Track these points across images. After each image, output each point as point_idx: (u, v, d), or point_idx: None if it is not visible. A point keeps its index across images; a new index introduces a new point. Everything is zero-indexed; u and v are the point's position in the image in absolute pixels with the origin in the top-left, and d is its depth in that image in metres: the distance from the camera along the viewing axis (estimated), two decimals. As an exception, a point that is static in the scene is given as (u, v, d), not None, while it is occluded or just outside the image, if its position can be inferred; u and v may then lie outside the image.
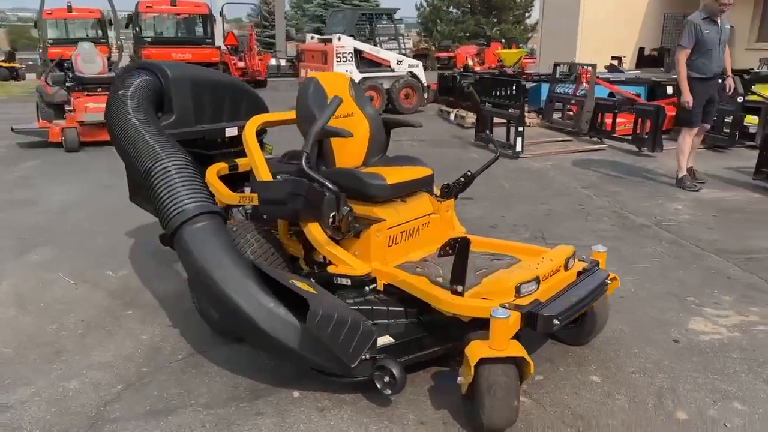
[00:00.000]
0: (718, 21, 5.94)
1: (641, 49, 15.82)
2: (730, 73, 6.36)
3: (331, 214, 2.73)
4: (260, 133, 3.85)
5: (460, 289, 2.49)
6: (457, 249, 2.45)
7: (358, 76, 11.48)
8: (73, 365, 2.86)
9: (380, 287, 2.79)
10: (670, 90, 10.44)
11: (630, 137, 8.37)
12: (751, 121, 8.42)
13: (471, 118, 9.84)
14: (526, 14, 31.87)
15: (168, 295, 3.62)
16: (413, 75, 12.10)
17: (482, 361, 2.21)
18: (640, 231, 4.92)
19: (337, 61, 11.34)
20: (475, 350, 2.22)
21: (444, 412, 2.49)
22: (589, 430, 2.39)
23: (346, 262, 2.77)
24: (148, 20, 14.02)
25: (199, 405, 2.55)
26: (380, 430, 2.38)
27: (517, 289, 2.44)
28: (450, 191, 3.25)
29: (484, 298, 2.46)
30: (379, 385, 2.43)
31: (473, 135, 8.95)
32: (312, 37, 12.47)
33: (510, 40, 23.46)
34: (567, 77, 10.68)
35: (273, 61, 20.67)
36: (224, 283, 2.41)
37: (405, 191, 3.03)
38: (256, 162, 3.09)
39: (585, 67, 9.75)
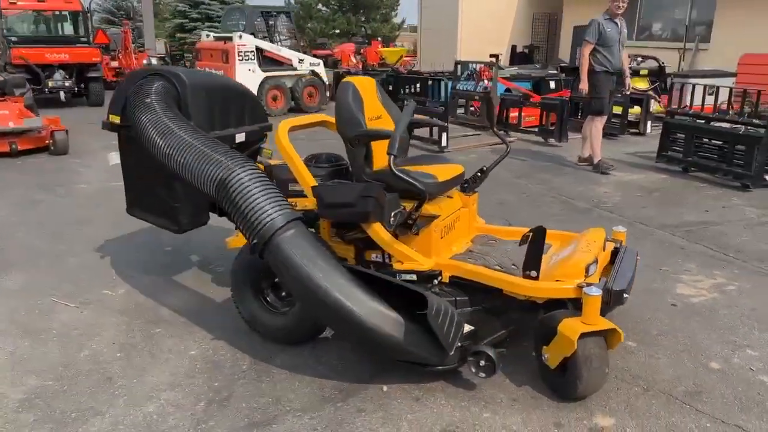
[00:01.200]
0: (618, 21, 6.75)
1: (513, 47, 17.07)
2: (627, 72, 7.22)
3: (393, 213, 2.85)
4: (260, 139, 3.84)
5: (534, 274, 2.73)
6: (532, 238, 2.69)
7: (261, 75, 11.33)
8: (136, 389, 2.72)
9: (445, 279, 2.95)
10: (552, 85, 11.47)
11: (536, 129, 9.12)
12: (633, 111, 9.55)
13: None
14: (393, 13, 32.85)
15: (187, 308, 3.50)
16: (315, 73, 12.13)
17: (580, 336, 2.47)
18: (587, 213, 5.48)
19: (239, 60, 11.09)
20: (574, 326, 2.48)
21: (527, 388, 2.72)
22: (652, 386, 2.74)
23: (413, 259, 2.91)
24: (12, 18, 12.64)
25: (296, 410, 2.56)
26: (482, 411, 2.57)
27: (586, 270, 2.73)
28: (470, 186, 3.48)
29: (557, 280, 2.73)
30: (473, 369, 2.61)
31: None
32: (207, 35, 12.03)
33: (386, 38, 24.07)
34: (461, 74, 11.34)
35: (144, 60, 19.54)
36: (334, 288, 2.45)
37: (450, 188, 3.22)
38: (299, 168, 3.11)
39: (484, 65, 10.43)
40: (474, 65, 11.04)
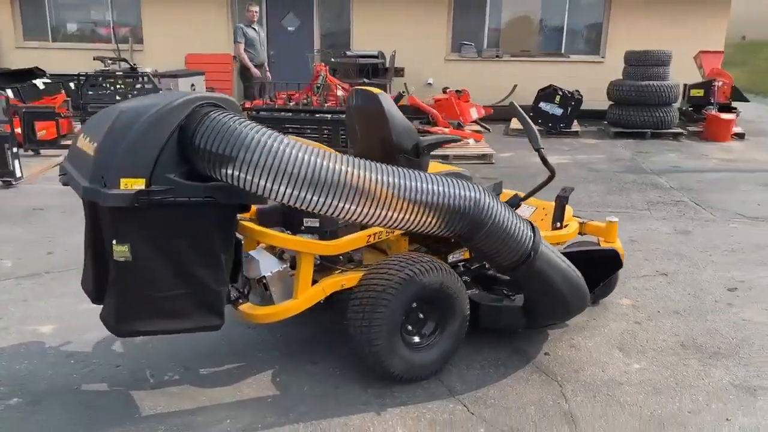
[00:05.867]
0: (255, 27, 8.95)
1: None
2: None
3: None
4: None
5: (559, 225, 3.56)
6: (558, 201, 3.51)
7: None
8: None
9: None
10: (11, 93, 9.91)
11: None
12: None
13: None
14: None
15: (257, 421, 2.52)
16: None
17: (617, 250, 3.55)
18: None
19: None
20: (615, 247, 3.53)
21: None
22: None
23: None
24: None
25: (559, 421, 2.63)
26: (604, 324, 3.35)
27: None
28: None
29: (565, 225, 3.64)
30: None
31: None
32: None
33: None
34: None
35: None
36: (576, 272, 2.79)
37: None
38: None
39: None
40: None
